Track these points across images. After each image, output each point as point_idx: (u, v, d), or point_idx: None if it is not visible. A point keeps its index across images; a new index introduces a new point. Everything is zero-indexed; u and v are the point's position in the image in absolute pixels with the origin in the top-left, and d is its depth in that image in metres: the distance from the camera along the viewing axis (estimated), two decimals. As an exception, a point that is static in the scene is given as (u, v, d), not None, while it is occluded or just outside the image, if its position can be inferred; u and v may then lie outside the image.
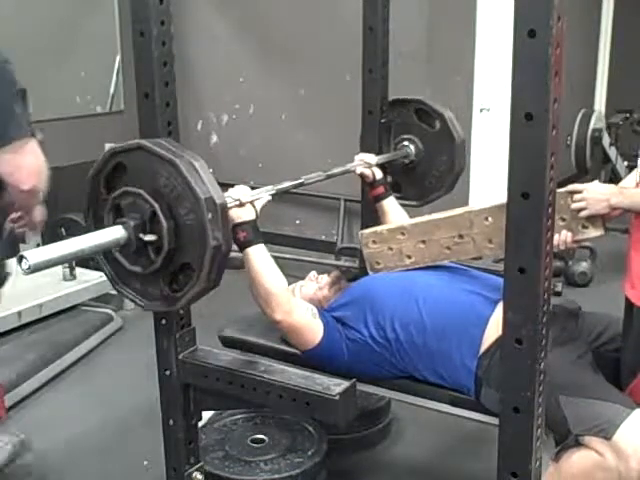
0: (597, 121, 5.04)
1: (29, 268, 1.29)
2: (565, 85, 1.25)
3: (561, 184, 1.64)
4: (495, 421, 1.45)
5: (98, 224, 1.52)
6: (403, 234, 2.22)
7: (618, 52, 6.64)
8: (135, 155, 1.45)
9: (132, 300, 1.56)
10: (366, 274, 2.34)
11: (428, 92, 2.64)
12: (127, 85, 4.98)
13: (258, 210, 1.93)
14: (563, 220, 2.05)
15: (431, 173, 2.58)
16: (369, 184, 2.46)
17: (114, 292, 4.26)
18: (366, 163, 2.41)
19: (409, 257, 2.22)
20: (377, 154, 2.51)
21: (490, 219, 2.07)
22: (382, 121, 2.55)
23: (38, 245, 4.19)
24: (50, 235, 4.28)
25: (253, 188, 1.96)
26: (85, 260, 3.91)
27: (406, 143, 2.58)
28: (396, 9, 2.59)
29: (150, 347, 1.76)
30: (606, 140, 5.06)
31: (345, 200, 4.53)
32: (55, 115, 4.60)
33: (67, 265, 3.78)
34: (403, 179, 2.60)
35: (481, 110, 4.88)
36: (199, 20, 4.95)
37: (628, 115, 5.22)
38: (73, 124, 4.73)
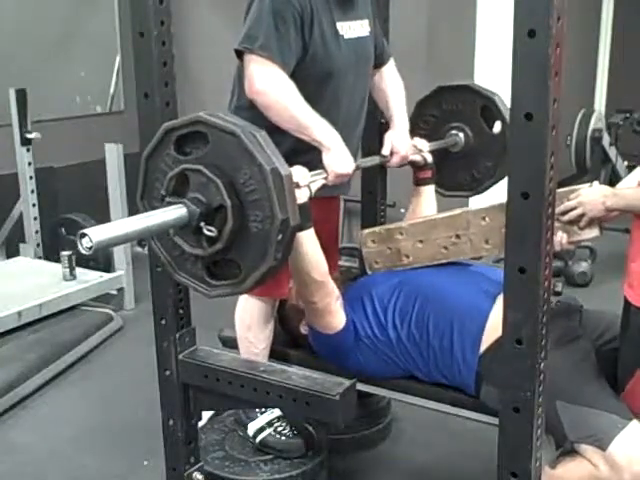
0: (597, 121, 5.04)
1: (91, 247, 1.21)
2: (565, 85, 1.25)
3: (561, 184, 1.64)
4: (495, 421, 1.44)
5: (151, 174, 1.46)
6: (401, 234, 2.23)
7: (618, 52, 6.64)
8: (223, 136, 1.37)
9: (163, 263, 1.50)
10: (366, 274, 2.34)
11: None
12: (127, 85, 4.98)
13: (313, 192, 1.90)
14: (558, 221, 2.05)
15: (470, 171, 2.53)
16: (418, 167, 2.40)
17: (114, 292, 4.22)
18: (417, 149, 2.36)
19: (407, 257, 2.23)
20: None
21: (487, 219, 2.08)
22: (382, 121, 2.55)
23: (38, 245, 4.18)
24: (50, 235, 4.27)
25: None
26: (85, 260, 3.90)
27: (455, 132, 2.50)
28: (396, 9, 2.59)
29: (150, 347, 1.76)
30: (606, 140, 5.05)
31: (345, 200, 4.52)
32: (55, 115, 4.60)
33: (67, 265, 3.76)
34: (440, 164, 2.50)
35: (481, 110, 4.87)
36: (199, 20, 4.95)
37: (628, 115, 5.20)
38: (73, 124, 4.73)
